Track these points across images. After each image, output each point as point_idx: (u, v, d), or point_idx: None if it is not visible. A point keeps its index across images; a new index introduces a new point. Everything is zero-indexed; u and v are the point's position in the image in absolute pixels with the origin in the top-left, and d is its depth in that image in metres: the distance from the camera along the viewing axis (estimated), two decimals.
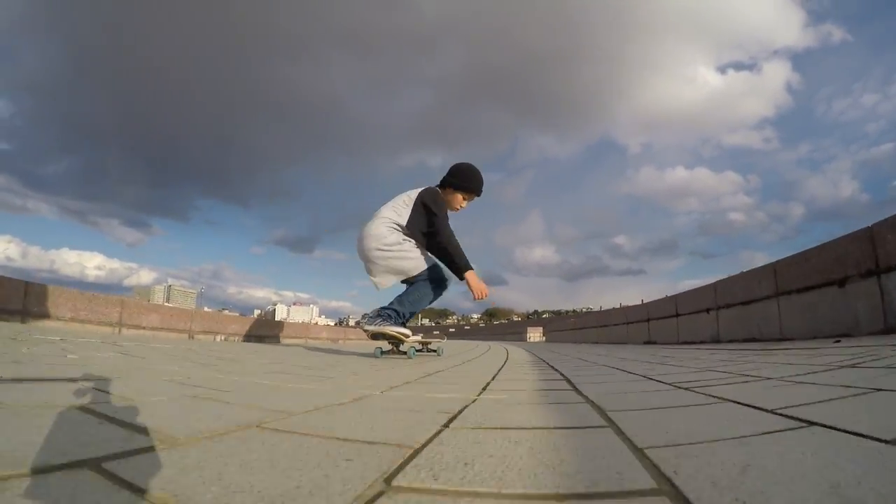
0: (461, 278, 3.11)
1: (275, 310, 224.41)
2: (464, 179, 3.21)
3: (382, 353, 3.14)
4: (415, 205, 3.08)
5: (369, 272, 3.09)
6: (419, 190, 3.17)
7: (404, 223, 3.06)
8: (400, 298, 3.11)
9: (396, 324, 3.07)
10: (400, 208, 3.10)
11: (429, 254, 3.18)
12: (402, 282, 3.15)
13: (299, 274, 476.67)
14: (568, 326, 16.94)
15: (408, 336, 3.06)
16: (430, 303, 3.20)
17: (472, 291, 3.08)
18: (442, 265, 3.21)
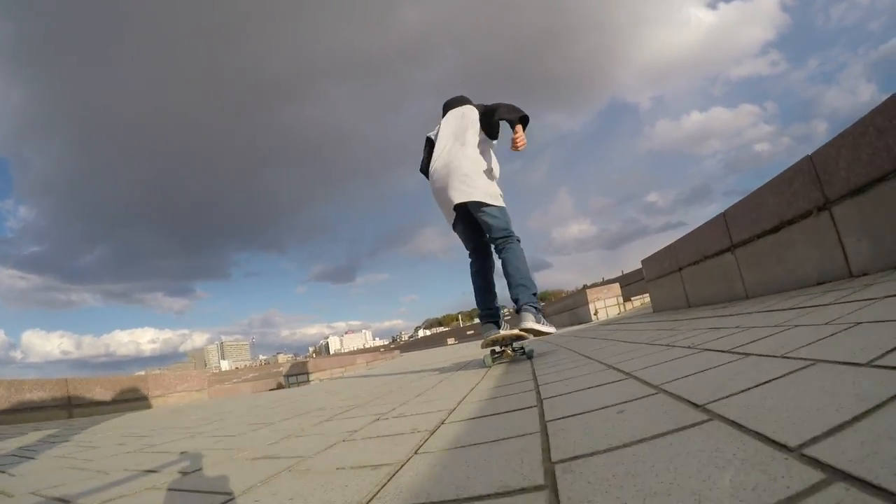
0: (516, 123, 2.53)
1: (328, 343, 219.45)
2: (466, 99, 2.95)
3: (494, 358, 2.66)
4: (473, 114, 2.77)
5: (448, 188, 2.62)
6: (463, 107, 2.84)
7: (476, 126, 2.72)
8: (523, 278, 2.53)
9: (539, 316, 2.44)
10: (469, 114, 2.77)
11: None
12: (460, 221, 2.71)
13: (346, 303, 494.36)
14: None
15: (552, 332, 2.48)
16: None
17: (517, 139, 2.50)
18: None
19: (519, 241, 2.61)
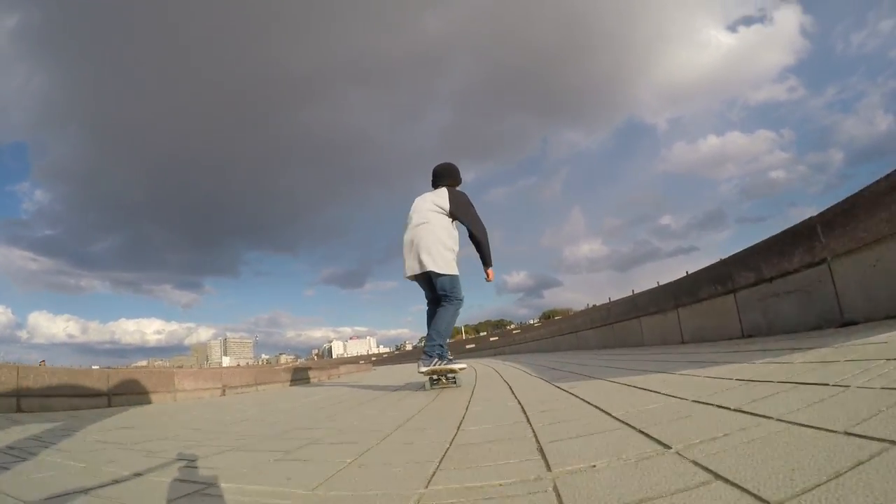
0: (487, 266, 3.58)
1: (331, 347, 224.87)
2: (456, 176, 3.68)
3: (432, 385, 3.39)
4: (450, 199, 3.42)
5: (413, 257, 3.35)
6: (444, 192, 3.48)
7: (446, 210, 3.40)
8: (436, 330, 3.34)
9: (445, 358, 3.31)
10: (440, 201, 3.42)
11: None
12: (423, 282, 3.46)
13: (353, 309, 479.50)
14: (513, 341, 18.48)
15: (461, 368, 3.39)
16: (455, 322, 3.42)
17: (488, 277, 3.65)
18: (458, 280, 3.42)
19: (461, 301, 3.39)
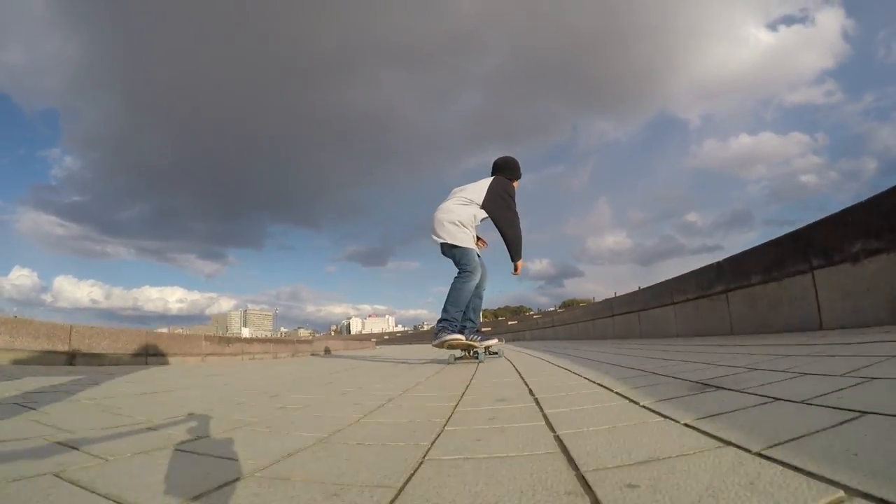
0: (515, 260, 3.63)
1: (349, 323, 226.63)
2: (514, 170, 3.79)
3: (456, 359, 3.52)
4: (489, 189, 3.55)
5: (431, 231, 3.56)
6: (486, 182, 3.64)
7: (479, 202, 3.54)
8: (444, 306, 3.46)
9: (453, 331, 3.39)
10: (475, 192, 3.58)
11: (474, 240, 3.59)
12: (444, 248, 3.55)
13: (374, 287, 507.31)
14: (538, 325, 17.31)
15: (461, 340, 3.41)
16: (469, 295, 3.50)
17: (515, 271, 3.69)
18: (477, 255, 3.58)
19: (469, 273, 3.45)
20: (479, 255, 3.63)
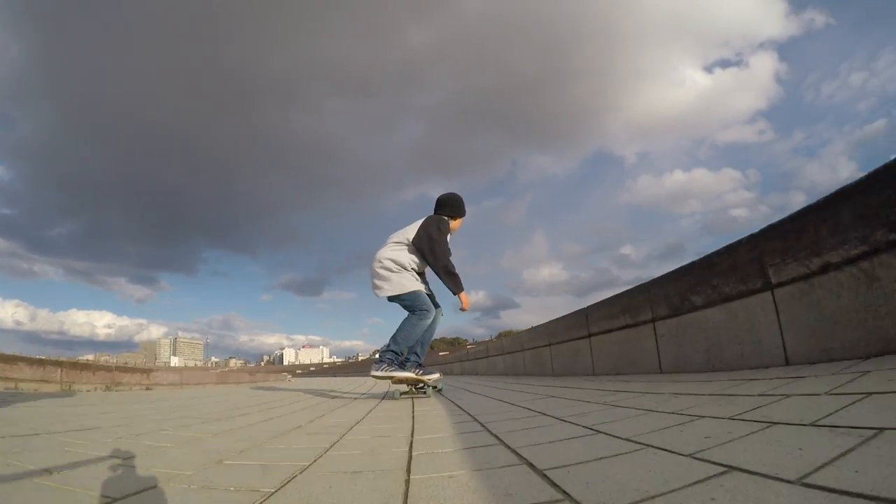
0: (455, 293, 3.46)
1: (282, 354, 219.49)
2: (456, 207, 3.70)
3: (401, 394, 3.44)
4: (420, 227, 3.48)
5: (372, 286, 3.50)
6: (423, 219, 3.57)
7: (409, 244, 3.46)
8: (393, 337, 3.41)
9: (396, 365, 3.36)
10: (409, 232, 3.50)
11: (418, 280, 3.52)
12: (391, 299, 3.46)
13: (309, 317, 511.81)
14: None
15: (402, 378, 3.37)
16: (422, 332, 3.46)
17: (462, 304, 3.51)
18: (427, 295, 3.50)
19: (424, 312, 3.40)
20: (429, 294, 3.59)
